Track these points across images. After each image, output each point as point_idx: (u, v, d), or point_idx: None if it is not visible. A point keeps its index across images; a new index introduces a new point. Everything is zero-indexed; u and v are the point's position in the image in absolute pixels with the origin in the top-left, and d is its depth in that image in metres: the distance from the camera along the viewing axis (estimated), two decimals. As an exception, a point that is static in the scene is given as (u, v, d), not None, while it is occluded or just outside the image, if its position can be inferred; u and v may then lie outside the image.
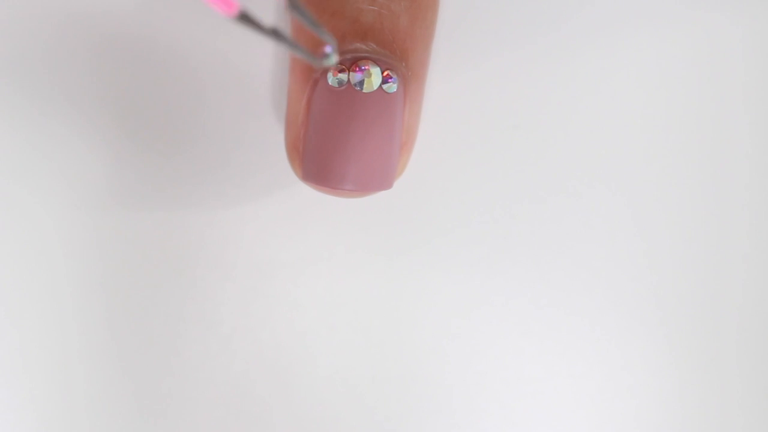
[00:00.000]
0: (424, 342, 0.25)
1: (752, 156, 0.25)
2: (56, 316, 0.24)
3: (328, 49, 0.16)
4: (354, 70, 0.18)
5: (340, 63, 0.19)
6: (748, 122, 0.24)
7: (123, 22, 0.23)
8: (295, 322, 0.24)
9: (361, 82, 0.18)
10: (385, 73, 0.19)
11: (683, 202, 0.25)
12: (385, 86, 0.19)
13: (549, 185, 0.24)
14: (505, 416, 0.25)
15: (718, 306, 0.25)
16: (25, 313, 0.24)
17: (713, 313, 0.25)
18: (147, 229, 0.24)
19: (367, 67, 0.18)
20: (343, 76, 0.18)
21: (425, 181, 0.24)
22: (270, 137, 0.23)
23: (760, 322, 0.25)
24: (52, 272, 0.24)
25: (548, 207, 0.24)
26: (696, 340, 0.25)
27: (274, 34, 0.15)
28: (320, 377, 0.24)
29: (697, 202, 0.25)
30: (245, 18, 0.14)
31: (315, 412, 0.24)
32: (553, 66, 0.24)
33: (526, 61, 0.24)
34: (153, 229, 0.24)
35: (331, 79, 0.19)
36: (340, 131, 0.19)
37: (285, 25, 0.22)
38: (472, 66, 0.24)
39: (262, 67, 0.23)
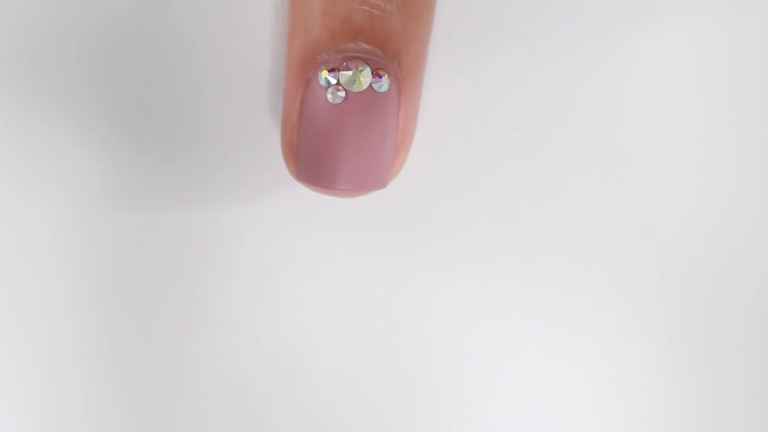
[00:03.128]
0: (424, 342, 0.25)
1: (754, 155, 0.24)
2: (55, 317, 0.24)
3: None
4: (343, 70, 0.19)
5: (331, 62, 0.19)
6: (751, 121, 0.24)
7: (121, 23, 0.23)
8: (296, 322, 0.24)
9: (351, 82, 0.19)
10: (376, 73, 0.19)
11: (684, 202, 0.24)
12: (375, 85, 0.19)
13: (549, 185, 0.24)
14: (505, 416, 0.25)
15: (720, 306, 0.25)
16: (24, 314, 0.24)
17: (715, 314, 0.25)
18: (146, 229, 0.24)
19: (356, 67, 0.18)
20: (333, 76, 0.19)
21: (425, 182, 0.24)
22: (270, 137, 0.23)
23: (762, 323, 0.25)
24: (50, 273, 0.24)
25: (548, 207, 0.24)
26: (697, 340, 0.25)
27: None
28: (321, 377, 0.24)
29: (698, 203, 0.24)
30: None
31: (315, 411, 0.25)
32: (553, 66, 0.24)
33: (525, 61, 0.24)
34: (152, 229, 0.24)
35: (321, 78, 0.19)
36: (332, 131, 0.19)
37: (284, 18, 0.22)
38: (472, 66, 0.24)
39: (262, 67, 0.23)
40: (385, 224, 0.24)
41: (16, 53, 0.23)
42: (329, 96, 0.19)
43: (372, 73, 0.19)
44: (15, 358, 0.24)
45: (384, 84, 0.19)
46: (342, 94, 0.19)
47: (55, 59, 0.23)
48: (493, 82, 0.24)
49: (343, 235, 0.24)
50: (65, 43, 0.23)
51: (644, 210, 0.24)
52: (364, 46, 0.19)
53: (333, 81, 0.19)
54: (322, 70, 0.19)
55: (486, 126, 0.24)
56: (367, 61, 0.19)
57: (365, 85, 0.19)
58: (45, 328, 0.24)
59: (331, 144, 0.19)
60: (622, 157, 0.24)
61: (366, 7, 0.19)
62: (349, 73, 0.19)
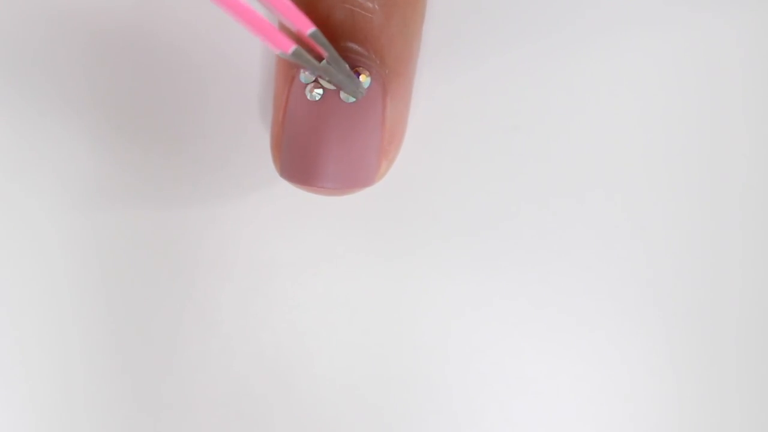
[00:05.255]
0: (424, 342, 0.25)
1: (752, 158, 0.24)
2: (55, 316, 0.24)
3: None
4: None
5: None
6: (749, 125, 0.24)
7: (121, 22, 0.23)
8: (295, 322, 0.24)
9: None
10: (354, 71, 0.19)
11: (683, 203, 0.24)
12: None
13: (549, 186, 0.24)
14: (505, 416, 0.25)
15: (718, 307, 0.24)
16: (25, 314, 0.24)
17: (713, 314, 0.24)
18: (146, 228, 0.24)
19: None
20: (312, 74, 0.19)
21: (424, 182, 0.24)
22: (267, 137, 0.24)
23: (759, 323, 0.24)
24: (51, 272, 0.24)
25: (548, 208, 0.24)
26: (695, 340, 0.24)
27: (325, 69, 0.16)
28: (320, 377, 0.25)
29: (697, 204, 0.24)
30: (298, 54, 0.15)
31: (315, 412, 0.25)
32: (553, 67, 0.24)
33: (525, 61, 0.24)
34: (152, 228, 0.24)
35: (302, 76, 0.19)
36: (312, 128, 0.19)
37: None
38: (472, 66, 0.24)
39: (261, 66, 0.23)
40: (385, 224, 0.24)
41: (18, 53, 0.23)
42: (307, 93, 0.19)
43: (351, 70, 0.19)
44: (14, 354, 0.24)
45: (363, 82, 0.19)
46: (320, 91, 0.19)
47: (56, 59, 0.23)
48: (493, 83, 0.24)
49: (341, 235, 0.24)
50: (66, 43, 0.23)
51: (643, 211, 0.24)
52: (346, 43, 0.19)
53: (311, 78, 0.19)
54: (303, 69, 0.19)
55: (486, 126, 0.24)
56: (346, 59, 0.19)
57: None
58: (44, 323, 0.24)
59: (312, 141, 0.19)
60: (621, 158, 0.24)
61: (347, 5, 0.19)
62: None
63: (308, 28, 0.16)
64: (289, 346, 0.24)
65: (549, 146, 0.24)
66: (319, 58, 0.17)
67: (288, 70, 0.20)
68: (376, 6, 0.19)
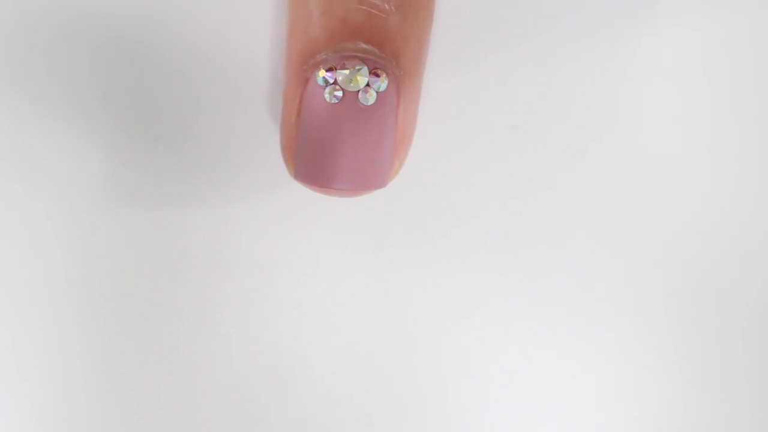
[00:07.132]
0: (423, 342, 0.25)
1: (751, 155, 0.24)
2: (55, 316, 0.24)
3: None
4: (340, 69, 0.19)
5: (329, 61, 0.19)
6: (748, 122, 0.24)
7: (122, 23, 0.23)
8: (295, 322, 0.24)
9: (348, 81, 0.18)
10: (373, 72, 0.19)
11: (683, 201, 0.24)
12: (373, 85, 0.19)
13: (548, 185, 0.24)
14: (504, 416, 0.25)
15: (720, 305, 0.25)
16: (24, 313, 0.24)
17: (715, 313, 0.25)
18: (146, 229, 0.24)
19: (353, 66, 0.18)
20: (330, 75, 0.19)
21: (424, 181, 0.24)
22: (270, 137, 0.23)
23: (762, 321, 0.25)
24: (51, 272, 0.24)
25: (547, 207, 0.24)
26: (698, 339, 0.25)
27: None
28: (320, 377, 0.24)
29: (697, 202, 0.24)
30: None
31: (314, 412, 0.25)
32: (553, 65, 0.24)
33: (525, 60, 0.24)
34: (152, 229, 0.24)
35: (319, 77, 0.19)
36: (329, 131, 0.19)
37: (283, 18, 0.22)
38: (471, 65, 0.24)
39: (262, 67, 0.23)
40: (385, 224, 0.24)
41: (19, 53, 0.23)
42: (326, 95, 0.18)
43: (369, 72, 0.19)
44: (14, 355, 0.24)
45: (382, 83, 0.19)
46: (339, 93, 0.19)
47: (57, 60, 0.23)
48: (493, 82, 0.24)
49: (342, 235, 0.24)
50: (67, 43, 0.23)
51: (643, 208, 0.24)
52: (363, 45, 0.19)
53: (330, 80, 0.19)
54: (319, 70, 0.19)
55: (485, 126, 0.24)
56: (364, 61, 0.19)
57: (362, 84, 0.18)
58: (43, 323, 0.24)
59: (329, 143, 0.19)
60: (621, 157, 0.24)
61: (364, 7, 0.19)
62: (347, 72, 0.18)
63: None
64: (289, 346, 0.24)
65: (548, 145, 0.24)
66: None
67: (300, 72, 0.19)
68: (393, 7, 0.19)
